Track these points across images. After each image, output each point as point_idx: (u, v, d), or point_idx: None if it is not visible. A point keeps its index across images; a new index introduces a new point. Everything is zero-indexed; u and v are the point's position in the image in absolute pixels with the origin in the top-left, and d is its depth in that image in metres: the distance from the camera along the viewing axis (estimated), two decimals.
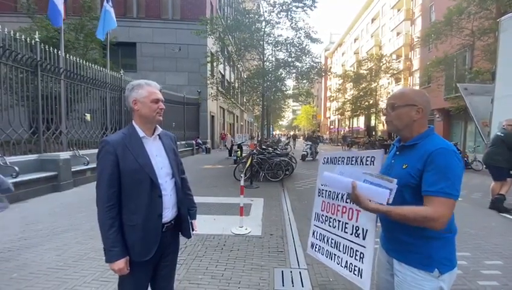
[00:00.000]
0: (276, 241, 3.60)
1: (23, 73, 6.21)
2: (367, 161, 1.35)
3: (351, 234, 1.40)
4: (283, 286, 2.54)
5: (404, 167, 1.21)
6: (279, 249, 3.37)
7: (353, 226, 1.39)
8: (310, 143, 15.27)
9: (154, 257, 1.42)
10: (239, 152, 11.90)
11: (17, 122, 6.01)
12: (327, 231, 1.57)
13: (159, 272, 1.52)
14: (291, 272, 2.79)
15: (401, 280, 1.23)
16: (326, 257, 1.55)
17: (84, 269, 2.78)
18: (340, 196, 1.50)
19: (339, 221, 1.49)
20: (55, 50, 6.93)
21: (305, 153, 14.69)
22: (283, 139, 27.74)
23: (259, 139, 15.56)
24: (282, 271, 2.80)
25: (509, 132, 5.10)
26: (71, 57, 7.45)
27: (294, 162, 9.51)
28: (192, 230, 1.68)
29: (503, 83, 5.91)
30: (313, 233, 1.68)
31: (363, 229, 1.34)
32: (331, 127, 53.28)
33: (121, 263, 1.32)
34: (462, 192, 4.68)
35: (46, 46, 6.64)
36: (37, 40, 6.43)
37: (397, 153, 1.33)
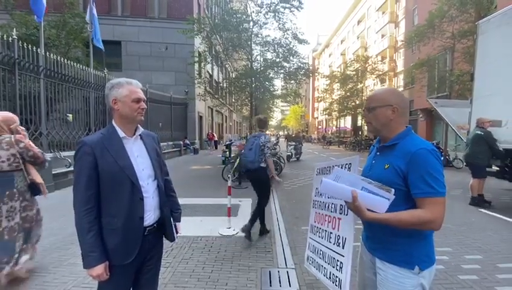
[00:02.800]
0: (263, 242, 3.60)
1: None
2: (345, 168, 1.37)
3: (334, 244, 1.39)
4: (270, 286, 2.54)
5: (386, 167, 1.22)
6: (266, 249, 3.37)
7: (336, 235, 1.39)
8: (294, 143, 14.88)
9: (136, 261, 1.38)
10: (227, 152, 11.83)
11: None
12: (317, 242, 1.56)
13: (142, 277, 1.48)
14: (278, 272, 2.79)
15: (382, 277, 1.25)
16: (317, 269, 1.53)
17: (65, 275, 2.68)
18: (327, 205, 1.49)
19: (325, 231, 1.48)
20: (35, 48, 6.66)
21: (290, 153, 14.41)
22: (272, 139, 27.83)
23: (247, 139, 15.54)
24: (270, 271, 2.79)
25: (488, 130, 5.31)
26: (52, 55, 7.19)
27: (282, 162, 9.55)
28: (176, 233, 1.63)
29: (481, 84, 6.14)
30: (308, 245, 1.66)
31: (342, 237, 1.33)
32: (319, 127, 53.96)
33: (100, 269, 1.26)
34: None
35: (25, 44, 6.38)
36: (15, 37, 6.16)
37: (377, 153, 1.34)
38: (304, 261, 1.69)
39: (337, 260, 1.34)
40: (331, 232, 1.43)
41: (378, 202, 1.11)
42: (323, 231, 1.50)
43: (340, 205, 1.37)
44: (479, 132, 5.36)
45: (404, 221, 1.11)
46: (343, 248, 1.32)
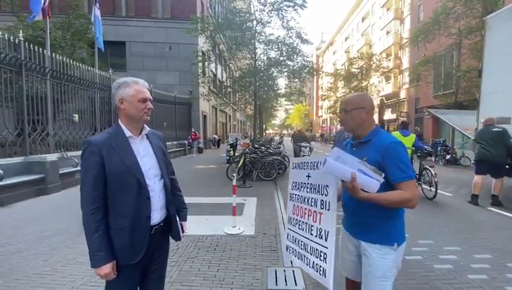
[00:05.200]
0: (269, 241, 3.59)
1: (6, 73, 6.01)
2: (320, 164, 1.46)
3: (316, 236, 1.49)
4: (276, 285, 2.53)
5: (364, 159, 1.39)
6: (272, 248, 3.36)
7: (317, 228, 1.48)
8: (308, 144, 12.48)
9: (143, 260, 1.38)
10: (232, 152, 11.85)
11: (1, 123, 5.82)
12: (297, 233, 1.65)
13: (149, 276, 1.49)
14: (284, 271, 2.78)
15: (368, 257, 1.44)
16: (298, 258, 1.62)
17: (73, 273, 2.71)
18: (307, 200, 1.58)
19: (306, 223, 1.57)
20: (41, 49, 6.74)
21: (308, 156, 11.77)
22: (276, 138, 27.74)
23: (252, 138, 15.45)
24: (276, 270, 2.78)
25: (504, 128, 5.17)
26: (58, 56, 7.26)
27: (287, 161, 9.52)
28: (183, 232, 1.64)
29: (489, 80, 6.04)
30: (287, 236, 1.77)
31: (325, 230, 1.43)
32: (324, 125, 53.69)
33: (107, 268, 1.27)
34: (451, 187, 4.83)
35: (31, 45, 6.45)
36: (21, 38, 6.23)
37: (354, 149, 1.54)
38: (284, 250, 1.80)
39: (321, 251, 1.44)
40: (312, 225, 1.52)
41: (371, 183, 1.27)
42: (303, 223, 1.60)
43: (321, 200, 1.46)
44: (496, 129, 5.16)
45: (392, 200, 1.33)
46: (326, 241, 1.41)
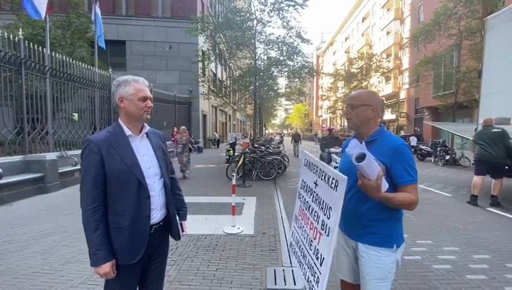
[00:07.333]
0: (268, 240, 3.59)
1: (6, 71, 6.00)
2: (332, 182, 1.28)
3: (313, 253, 1.39)
4: (275, 284, 2.53)
5: None
6: (271, 247, 3.36)
7: (315, 247, 1.37)
8: (340, 149, 8.35)
9: (142, 260, 1.38)
10: (231, 151, 11.84)
11: (0, 122, 5.81)
12: (300, 237, 1.59)
13: (148, 275, 1.48)
14: (283, 270, 2.78)
15: (366, 259, 1.40)
16: (298, 262, 1.57)
17: (71, 272, 2.70)
18: (311, 209, 1.48)
19: (308, 235, 1.49)
20: (41, 48, 6.73)
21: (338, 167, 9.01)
22: (276, 138, 27.69)
23: (251, 138, 15.40)
24: (275, 270, 2.78)
25: (503, 128, 5.18)
26: (57, 54, 7.25)
27: (286, 161, 9.52)
28: (182, 231, 1.63)
29: (489, 81, 6.05)
30: (292, 233, 1.72)
31: (321, 255, 1.30)
32: (323, 125, 53.71)
33: (107, 267, 1.27)
34: (450, 188, 4.84)
35: (31, 44, 6.44)
36: (21, 37, 6.22)
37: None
38: (288, 246, 1.77)
39: (315, 271, 1.34)
40: (312, 240, 1.43)
41: (384, 183, 1.25)
42: (305, 231, 1.54)
43: (323, 220, 1.32)
44: (496, 130, 5.17)
45: (402, 201, 1.30)
46: (320, 265, 1.29)
